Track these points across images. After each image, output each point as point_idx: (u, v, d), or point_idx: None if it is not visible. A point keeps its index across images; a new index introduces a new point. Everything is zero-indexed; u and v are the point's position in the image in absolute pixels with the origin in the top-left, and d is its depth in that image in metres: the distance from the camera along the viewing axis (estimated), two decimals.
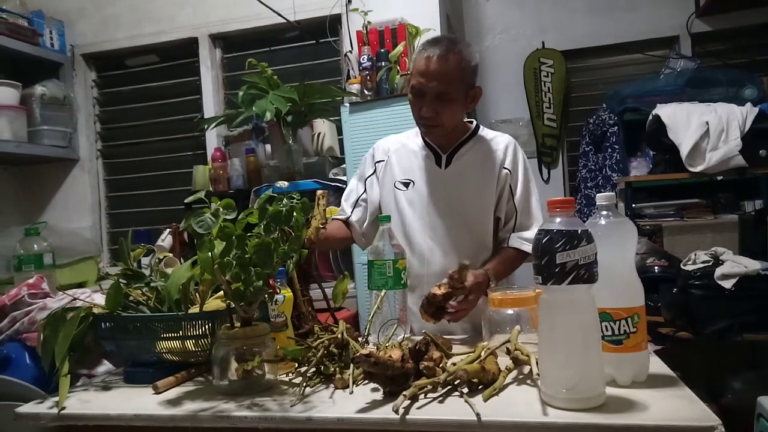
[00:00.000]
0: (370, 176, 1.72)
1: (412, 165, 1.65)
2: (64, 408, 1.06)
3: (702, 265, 2.25)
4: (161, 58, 3.66)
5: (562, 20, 3.62)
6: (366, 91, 2.73)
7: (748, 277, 2.12)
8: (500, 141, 1.65)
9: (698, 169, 2.65)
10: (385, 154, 1.71)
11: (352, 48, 3.05)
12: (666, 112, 2.74)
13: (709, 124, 2.63)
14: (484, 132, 1.68)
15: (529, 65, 3.65)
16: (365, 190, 1.72)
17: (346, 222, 1.73)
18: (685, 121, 2.68)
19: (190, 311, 1.21)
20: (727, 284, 2.13)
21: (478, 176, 1.61)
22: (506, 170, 1.61)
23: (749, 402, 1.70)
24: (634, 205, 2.91)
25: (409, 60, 2.76)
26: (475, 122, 1.68)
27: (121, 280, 1.25)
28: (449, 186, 1.61)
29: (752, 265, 2.14)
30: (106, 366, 1.34)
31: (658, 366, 1.09)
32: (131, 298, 1.28)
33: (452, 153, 1.63)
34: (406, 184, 1.65)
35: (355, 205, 1.73)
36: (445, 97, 1.49)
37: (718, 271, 2.17)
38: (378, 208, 1.70)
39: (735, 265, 2.16)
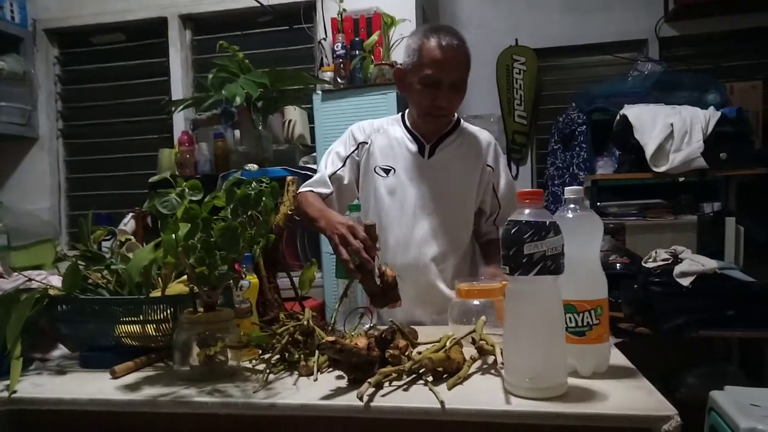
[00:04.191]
0: (350, 155, 1.66)
1: (395, 152, 1.64)
2: (15, 391, 1.03)
3: (662, 263, 2.31)
4: (128, 36, 3.56)
5: (536, 18, 3.65)
6: (339, 80, 2.71)
7: (705, 275, 2.19)
8: (483, 137, 1.67)
9: (662, 169, 2.72)
10: (367, 137, 1.67)
11: (326, 35, 3.02)
12: (633, 112, 2.80)
13: (673, 126, 2.70)
14: (466, 125, 1.69)
15: (502, 62, 3.67)
16: (342, 168, 1.65)
17: (325, 198, 1.62)
18: (651, 122, 2.74)
19: (151, 295, 1.18)
20: (685, 282, 2.19)
21: (461, 169, 1.61)
22: (489, 168, 1.64)
23: (702, 396, 1.76)
24: (599, 204, 2.96)
25: (384, 49, 2.74)
26: (456, 114, 1.68)
27: (79, 262, 1.21)
28: (432, 176, 1.61)
29: (709, 264, 2.21)
30: (61, 350, 1.30)
31: (618, 358, 1.11)
32: (90, 281, 1.24)
33: (436, 144, 1.63)
34: (387, 171, 1.63)
35: (332, 182, 1.64)
36: (459, 86, 1.52)
37: (677, 269, 2.23)
38: (353, 189, 1.67)
39: (693, 263, 2.23)
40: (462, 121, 1.69)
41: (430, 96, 1.52)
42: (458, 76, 1.50)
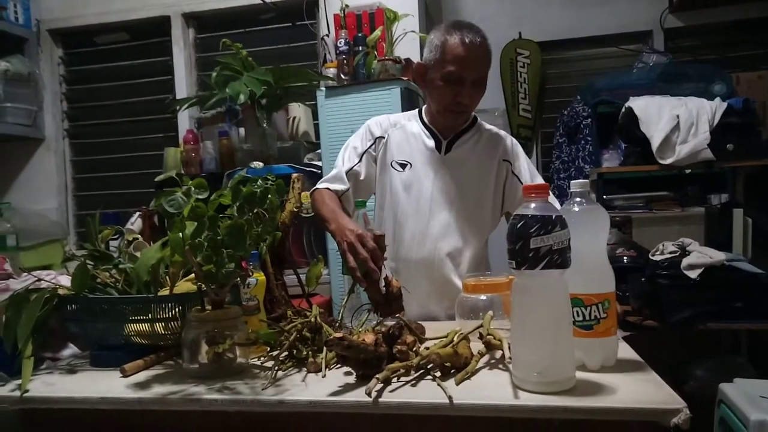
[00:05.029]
0: (367, 150, 1.65)
1: (411, 147, 1.64)
2: (27, 391, 1.04)
3: (669, 256, 2.30)
4: (132, 36, 3.57)
5: (539, 11, 3.64)
6: (342, 76, 2.70)
7: (713, 267, 2.17)
8: (500, 135, 1.67)
9: (668, 161, 2.70)
10: (384, 132, 1.67)
11: (329, 32, 3.01)
12: (639, 104, 2.78)
13: (679, 118, 2.68)
14: (483, 123, 1.68)
15: (506, 55, 3.66)
16: (359, 163, 1.64)
17: (342, 195, 1.61)
18: (657, 114, 2.72)
19: (159, 293, 1.18)
20: (693, 274, 2.17)
21: (478, 166, 1.61)
22: (506, 162, 1.63)
23: (711, 388, 1.76)
24: (605, 197, 2.95)
25: (387, 45, 2.74)
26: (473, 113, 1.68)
27: (87, 261, 1.22)
28: (448, 172, 1.61)
29: (717, 255, 2.19)
30: (71, 349, 1.31)
31: (626, 351, 1.11)
32: (98, 280, 1.24)
33: (453, 140, 1.63)
34: (403, 166, 1.63)
35: (349, 178, 1.63)
36: (481, 83, 1.52)
37: (685, 262, 2.21)
38: (370, 185, 1.67)
39: (701, 255, 2.21)
40: (479, 119, 1.68)
41: (452, 92, 1.51)
42: (480, 74, 1.50)
